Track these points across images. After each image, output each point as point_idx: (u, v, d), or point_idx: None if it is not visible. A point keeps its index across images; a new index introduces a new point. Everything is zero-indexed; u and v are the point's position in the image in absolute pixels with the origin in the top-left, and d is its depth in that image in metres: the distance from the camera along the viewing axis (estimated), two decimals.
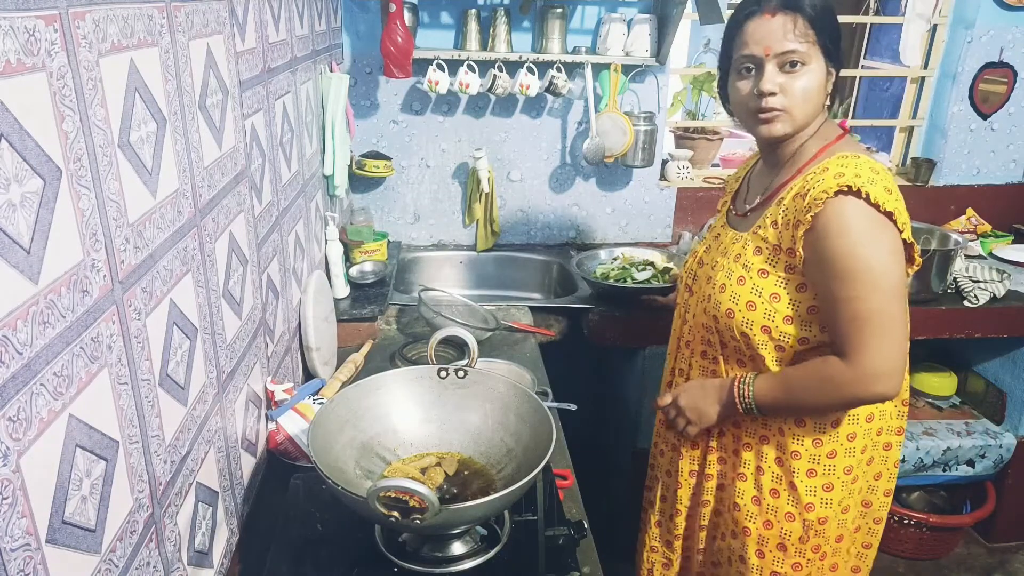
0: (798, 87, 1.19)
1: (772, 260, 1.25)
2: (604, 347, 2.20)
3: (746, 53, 1.21)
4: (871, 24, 3.19)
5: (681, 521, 1.52)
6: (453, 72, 2.34)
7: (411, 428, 1.22)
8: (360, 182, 2.55)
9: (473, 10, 2.35)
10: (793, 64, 1.18)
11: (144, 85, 0.83)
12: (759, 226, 1.28)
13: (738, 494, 1.37)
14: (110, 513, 0.73)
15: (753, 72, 1.22)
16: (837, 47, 1.22)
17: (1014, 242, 2.77)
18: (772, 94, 1.19)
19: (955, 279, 2.29)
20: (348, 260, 2.20)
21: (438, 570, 1.06)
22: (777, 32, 1.18)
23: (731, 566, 1.42)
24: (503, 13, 2.34)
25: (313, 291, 1.68)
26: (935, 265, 2.17)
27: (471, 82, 2.32)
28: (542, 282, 2.64)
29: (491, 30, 2.37)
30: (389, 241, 2.46)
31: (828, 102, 1.26)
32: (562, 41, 2.40)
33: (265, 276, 1.36)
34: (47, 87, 0.63)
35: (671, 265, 2.26)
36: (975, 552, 2.62)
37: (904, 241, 1.18)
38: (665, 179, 2.75)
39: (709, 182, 2.79)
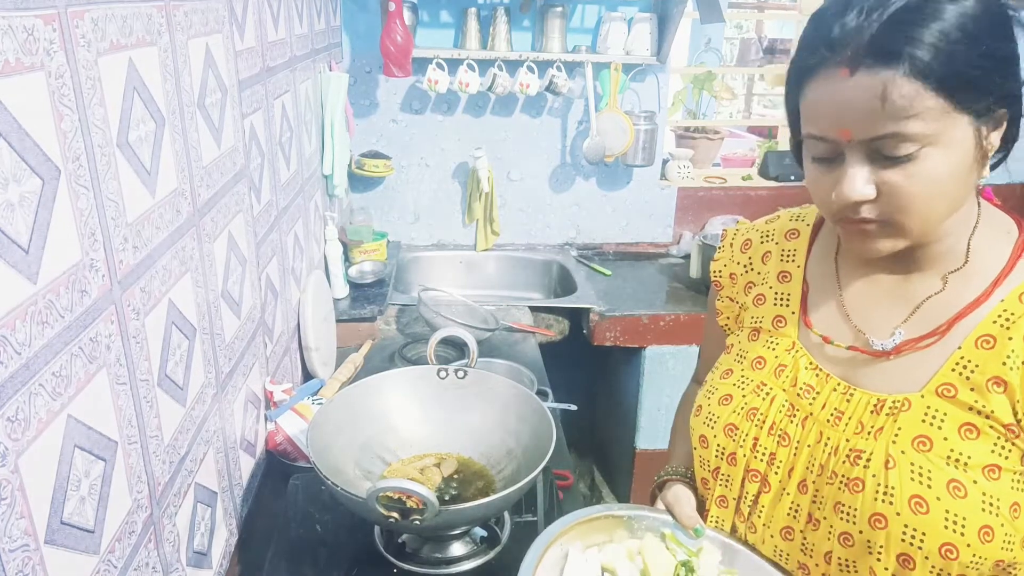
0: (912, 187, 0.68)
1: (1003, 447, 0.72)
2: (604, 347, 2.20)
3: (814, 133, 0.72)
4: None
5: None
6: (453, 71, 2.34)
7: (411, 428, 1.22)
8: (359, 182, 2.54)
9: (473, 9, 2.35)
10: (898, 154, 0.67)
11: (143, 84, 0.83)
12: (949, 384, 0.74)
13: None
14: (109, 514, 0.73)
15: (830, 160, 0.72)
16: (1005, 78, 0.68)
17: None
18: (861, 203, 0.71)
19: None
20: (347, 260, 2.19)
21: (438, 571, 1.06)
22: (860, 103, 0.66)
23: None
24: (503, 12, 2.34)
25: (312, 291, 1.68)
26: None
27: (471, 81, 2.32)
28: (542, 282, 2.64)
29: (491, 29, 2.37)
30: (389, 241, 2.46)
31: (989, 163, 0.73)
32: (562, 40, 2.40)
33: (264, 276, 1.36)
34: (46, 86, 0.63)
35: None
36: None
37: None
38: (666, 178, 2.75)
39: (710, 181, 2.79)
